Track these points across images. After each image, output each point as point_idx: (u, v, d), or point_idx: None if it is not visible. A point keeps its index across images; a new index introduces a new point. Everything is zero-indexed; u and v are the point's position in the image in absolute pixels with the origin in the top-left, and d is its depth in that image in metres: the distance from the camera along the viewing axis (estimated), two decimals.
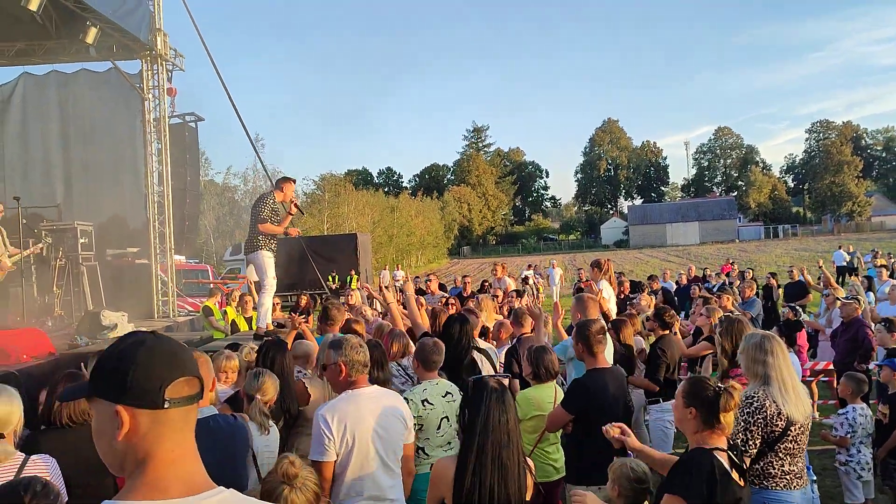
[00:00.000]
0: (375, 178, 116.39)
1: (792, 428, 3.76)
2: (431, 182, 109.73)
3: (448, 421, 4.50)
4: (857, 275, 24.54)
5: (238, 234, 44.67)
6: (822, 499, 6.73)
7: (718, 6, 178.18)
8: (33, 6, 9.10)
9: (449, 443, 4.55)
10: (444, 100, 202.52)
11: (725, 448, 3.10)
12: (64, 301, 11.09)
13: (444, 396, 4.54)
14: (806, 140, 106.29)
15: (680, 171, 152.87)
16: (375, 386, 3.80)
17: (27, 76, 13.11)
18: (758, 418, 3.74)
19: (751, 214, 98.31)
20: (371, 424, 3.48)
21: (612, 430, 3.54)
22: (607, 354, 5.49)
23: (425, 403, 4.44)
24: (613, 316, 7.32)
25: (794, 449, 3.80)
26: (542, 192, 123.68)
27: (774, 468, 3.79)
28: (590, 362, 4.48)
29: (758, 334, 4.01)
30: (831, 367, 8.77)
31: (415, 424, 4.35)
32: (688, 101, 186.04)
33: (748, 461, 3.74)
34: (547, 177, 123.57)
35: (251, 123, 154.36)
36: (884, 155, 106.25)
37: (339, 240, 33.77)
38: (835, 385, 8.78)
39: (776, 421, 3.74)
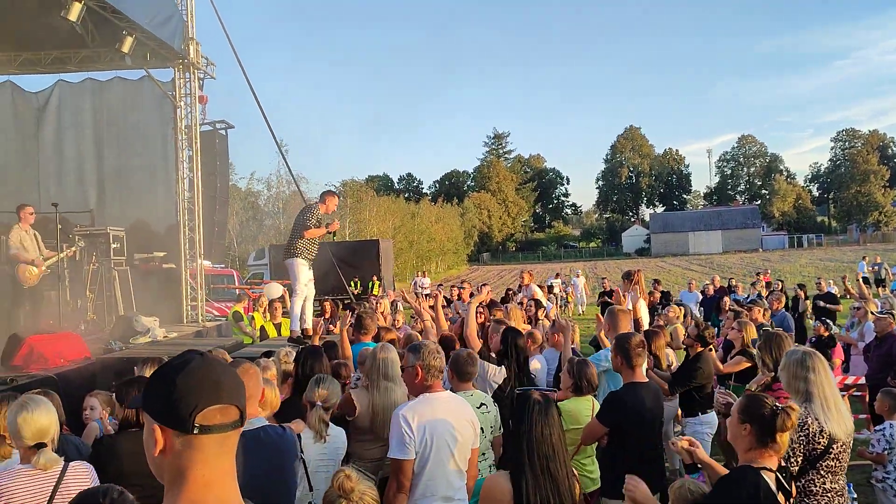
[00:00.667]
0: (396, 184, 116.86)
1: (834, 446, 3.72)
2: (451, 188, 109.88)
3: (483, 432, 4.53)
4: (884, 286, 24.26)
5: (261, 238, 45.03)
6: None
7: (742, 14, 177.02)
8: (73, 16, 9.29)
9: (483, 454, 4.58)
10: (465, 106, 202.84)
11: (774, 469, 3.09)
12: (96, 305, 11.27)
13: (478, 408, 4.57)
14: (831, 149, 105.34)
15: (702, 179, 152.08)
16: (448, 391, 3.95)
17: (62, 84, 13.35)
18: (800, 436, 3.72)
19: (774, 223, 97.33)
20: (447, 427, 3.62)
21: (681, 442, 3.52)
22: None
23: None
24: (645, 325, 7.32)
25: (835, 467, 3.77)
26: (563, 198, 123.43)
27: (816, 486, 3.77)
28: (627, 375, 4.49)
29: (799, 350, 4.00)
30: (862, 381, 8.68)
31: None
32: (711, 108, 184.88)
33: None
34: (568, 184, 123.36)
35: (275, 129, 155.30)
36: None
37: (362, 246, 33.87)
38: (867, 400, 8.69)
39: (818, 438, 3.71)
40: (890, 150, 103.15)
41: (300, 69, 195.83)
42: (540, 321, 8.98)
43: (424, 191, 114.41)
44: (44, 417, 3.09)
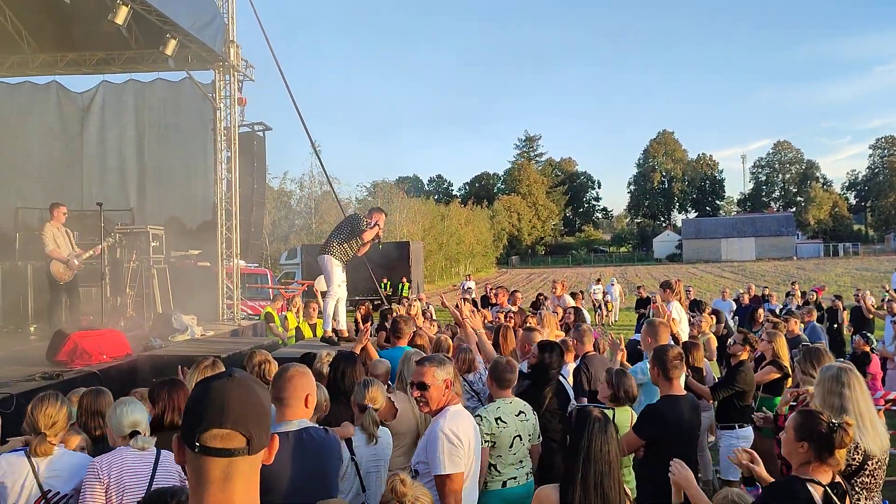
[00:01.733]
0: (426, 186, 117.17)
1: (869, 462, 3.70)
2: (481, 190, 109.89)
3: (521, 440, 4.56)
4: None
5: (293, 238, 45.50)
6: None
7: (781, 19, 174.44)
8: (119, 20, 9.52)
9: (521, 461, 4.60)
10: (496, 108, 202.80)
11: (825, 483, 3.09)
12: (136, 302, 11.51)
13: (517, 415, 4.60)
14: (869, 156, 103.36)
15: (736, 185, 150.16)
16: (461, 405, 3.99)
17: (106, 84, 13.67)
18: None
19: (810, 231, 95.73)
20: (478, 441, 3.74)
21: (741, 454, 3.52)
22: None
23: (499, 421, 4.50)
24: (684, 338, 7.28)
25: (871, 483, 3.74)
26: (594, 202, 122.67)
27: (850, 503, 3.75)
28: (665, 388, 4.49)
29: (834, 366, 3.98)
30: None
31: (487, 441, 4.44)
32: (745, 113, 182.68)
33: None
34: (599, 188, 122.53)
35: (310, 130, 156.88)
36: None
37: (393, 247, 34.05)
38: None
39: (853, 454, 3.67)
40: None
41: (333, 69, 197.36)
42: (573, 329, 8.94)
43: (454, 192, 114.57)
44: (137, 412, 3.61)
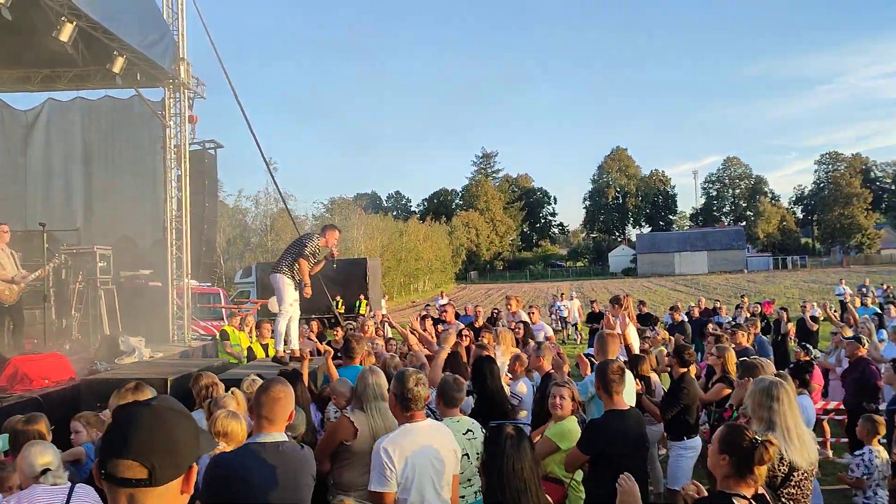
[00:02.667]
0: (384, 202, 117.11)
1: (795, 474, 3.80)
2: (440, 206, 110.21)
3: (468, 458, 4.57)
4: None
5: (248, 256, 44.93)
6: None
7: (730, 38, 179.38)
8: (64, 37, 9.33)
9: (469, 480, 4.61)
10: (454, 125, 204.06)
11: (748, 497, 3.16)
12: (82, 325, 11.22)
13: (465, 434, 4.61)
14: (815, 171, 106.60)
15: (688, 200, 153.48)
16: (430, 419, 3.99)
17: (52, 102, 13.38)
18: None
19: (759, 245, 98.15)
20: (430, 458, 3.66)
21: (689, 487, 3.58)
22: (630, 390, 5.56)
23: None
24: (636, 349, 7.40)
25: (797, 494, 3.85)
26: (550, 218, 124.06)
27: None
28: (608, 403, 4.55)
29: (766, 379, 4.09)
30: (842, 406, 8.80)
31: None
32: (697, 130, 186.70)
33: None
34: (555, 203, 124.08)
35: (263, 147, 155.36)
36: (893, 188, 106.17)
37: (349, 264, 33.81)
38: (845, 424, 8.79)
39: (778, 466, 3.78)
40: (872, 174, 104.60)
41: (289, 88, 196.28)
42: (529, 344, 9.01)
43: (413, 209, 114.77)
44: (48, 454, 3.64)
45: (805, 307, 15.44)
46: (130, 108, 12.98)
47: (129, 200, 12.70)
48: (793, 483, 3.83)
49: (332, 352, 6.52)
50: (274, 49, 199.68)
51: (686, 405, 6.26)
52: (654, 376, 7.42)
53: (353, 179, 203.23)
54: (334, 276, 29.43)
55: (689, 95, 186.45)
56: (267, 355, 10.00)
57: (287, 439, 3.37)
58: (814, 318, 15.09)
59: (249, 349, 10.39)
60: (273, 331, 8.91)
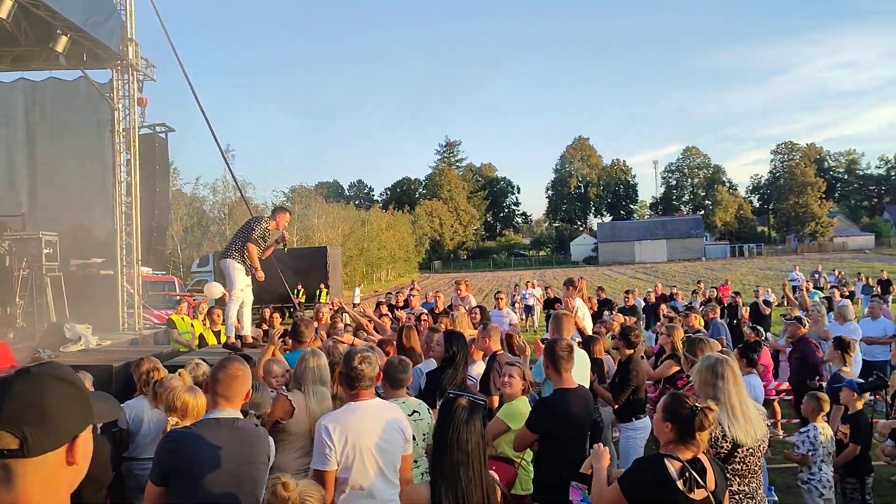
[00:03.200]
0: (346, 191, 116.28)
1: (739, 450, 3.84)
2: (403, 196, 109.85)
3: (414, 440, 4.51)
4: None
5: (206, 245, 44.21)
6: None
7: (686, 28, 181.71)
8: (3, 13, 8.98)
9: (415, 461, 4.56)
10: (417, 114, 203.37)
11: (683, 460, 3.18)
12: (27, 312, 10.90)
13: (410, 415, 4.54)
14: (771, 161, 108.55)
15: (649, 189, 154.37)
16: (378, 399, 3.91)
17: None
18: None
19: (717, 233, 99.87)
20: (373, 437, 3.58)
21: (585, 466, 3.65)
22: (583, 370, 5.55)
23: None
24: (589, 331, 7.42)
25: (742, 470, 3.89)
26: (514, 207, 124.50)
27: (726, 488, 3.86)
28: (556, 381, 4.52)
29: (712, 357, 4.10)
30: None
31: None
32: (657, 120, 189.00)
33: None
34: (518, 193, 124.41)
35: (221, 134, 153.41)
36: (846, 177, 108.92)
37: (309, 253, 33.57)
38: (794, 406, 8.96)
39: (721, 443, 3.82)
40: (826, 163, 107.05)
41: (248, 73, 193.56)
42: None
43: (375, 198, 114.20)
44: None
45: (758, 291, 15.72)
46: (76, 90, 12.56)
47: (76, 186, 12.32)
48: (737, 459, 3.86)
49: (281, 331, 6.38)
50: (229, 32, 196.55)
51: (636, 387, 6.28)
52: (607, 358, 7.44)
53: (314, 168, 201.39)
54: (295, 265, 29.34)
55: (650, 85, 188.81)
56: (219, 342, 9.84)
57: (241, 416, 3.32)
58: (766, 303, 15.38)
59: (201, 336, 10.19)
60: (224, 317, 8.74)
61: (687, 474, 3.15)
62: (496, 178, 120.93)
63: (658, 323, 10.31)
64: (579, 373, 5.42)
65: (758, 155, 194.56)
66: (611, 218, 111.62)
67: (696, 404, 3.27)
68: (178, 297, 13.22)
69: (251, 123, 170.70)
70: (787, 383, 8.90)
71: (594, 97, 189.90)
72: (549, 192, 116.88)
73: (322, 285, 30.91)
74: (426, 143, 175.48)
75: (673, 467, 3.15)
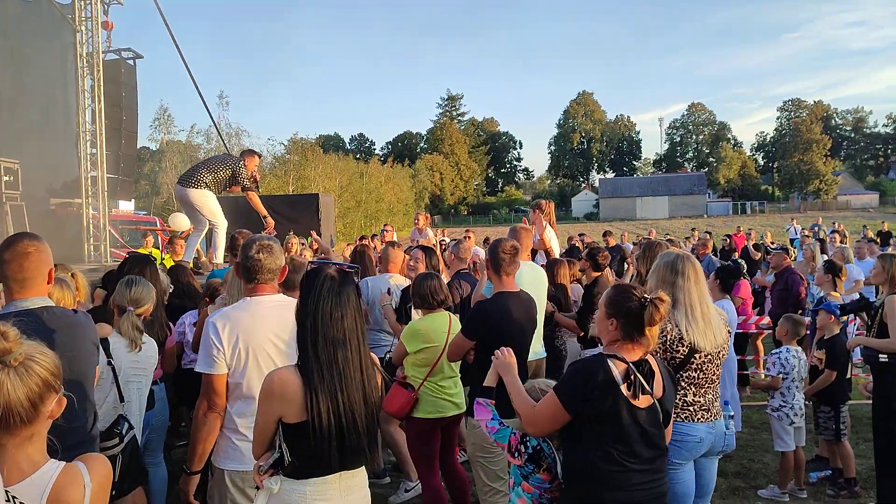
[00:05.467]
0: (347, 144, 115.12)
1: (696, 356, 3.45)
2: (404, 150, 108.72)
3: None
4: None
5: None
6: (756, 451, 6.54)
7: None
8: None
9: None
10: (420, 66, 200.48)
11: (629, 361, 2.77)
12: None
13: None
14: (777, 118, 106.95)
15: (653, 147, 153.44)
16: (280, 295, 3.36)
17: None
18: (657, 342, 3.42)
19: (720, 191, 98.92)
20: (269, 335, 3.11)
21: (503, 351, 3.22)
22: (537, 290, 5.16)
23: None
24: (556, 254, 7.01)
25: (699, 378, 3.50)
26: (516, 163, 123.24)
27: (675, 398, 3.47)
28: (497, 284, 4.12)
29: (672, 253, 3.68)
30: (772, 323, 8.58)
31: None
32: (663, 77, 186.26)
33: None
34: (520, 148, 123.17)
35: (224, 83, 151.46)
36: (853, 135, 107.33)
37: (300, 199, 32.91)
38: (774, 339, 8.60)
39: (677, 347, 3.43)
40: (833, 121, 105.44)
41: (260, 19, 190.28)
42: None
43: (377, 152, 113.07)
44: None
45: (750, 235, 15.25)
46: (37, 11, 11.93)
47: (37, 112, 11.76)
48: (694, 365, 3.45)
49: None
50: None
51: None
52: (575, 287, 7.04)
53: (314, 120, 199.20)
54: (285, 212, 28.85)
55: (656, 42, 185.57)
56: None
57: (50, 304, 2.75)
58: (756, 247, 14.93)
59: (163, 265, 9.83)
60: (213, 244, 8.57)
61: (632, 377, 2.74)
62: (498, 132, 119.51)
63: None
64: (533, 292, 5.03)
65: (765, 114, 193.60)
66: (613, 175, 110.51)
67: (645, 295, 2.85)
68: (143, 231, 12.78)
69: (248, 71, 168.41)
70: (769, 317, 8.49)
71: (600, 53, 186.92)
72: (552, 148, 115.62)
73: (313, 232, 30.45)
74: (428, 97, 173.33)
75: (617, 369, 2.74)
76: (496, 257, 4.08)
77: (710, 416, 3.52)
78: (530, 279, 5.14)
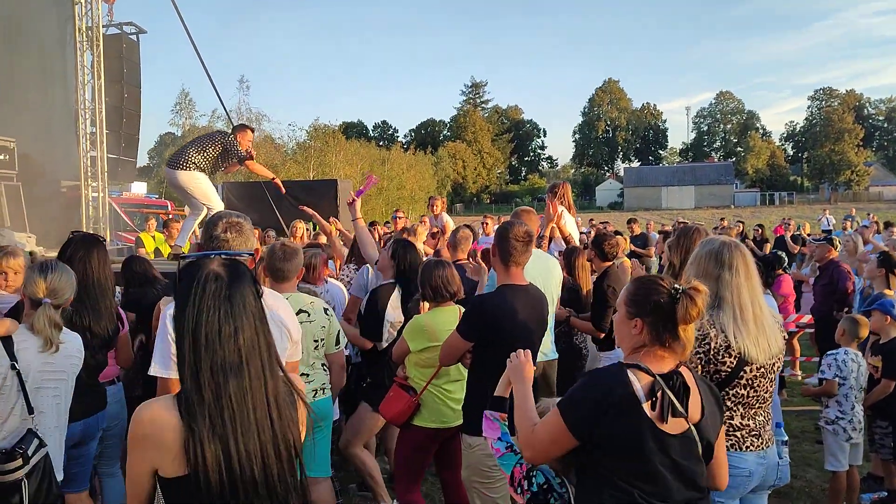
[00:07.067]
0: (371, 132, 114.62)
1: (746, 369, 2.74)
2: (427, 137, 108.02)
3: (301, 345, 3.53)
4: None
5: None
6: (797, 466, 5.80)
7: None
8: None
9: (306, 374, 3.60)
10: (443, 54, 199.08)
11: (655, 373, 2.10)
12: None
13: (297, 314, 3.54)
14: (808, 107, 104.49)
15: (679, 137, 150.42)
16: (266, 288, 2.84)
17: None
18: (697, 351, 2.73)
19: (748, 181, 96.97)
20: None
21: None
22: (548, 283, 4.51)
23: None
24: (575, 241, 6.33)
25: (749, 397, 2.79)
26: (539, 151, 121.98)
27: (720, 423, 2.80)
28: (502, 276, 3.45)
29: (716, 240, 2.97)
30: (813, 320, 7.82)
31: None
32: (690, 66, 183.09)
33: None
34: (544, 136, 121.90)
35: (247, 69, 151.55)
36: (885, 125, 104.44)
37: (319, 185, 32.50)
38: (815, 339, 7.88)
39: (722, 357, 2.73)
40: (866, 111, 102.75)
41: (279, 10, 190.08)
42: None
43: (400, 139, 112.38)
44: None
45: (789, 225, 14.33)
46: None
47: (36, 89, 11.23)
48: (743, 381, 2.74)
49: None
50: None
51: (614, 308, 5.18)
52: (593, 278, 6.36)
53: (338, 108, 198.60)
54: (304, 198, 28.42)
55: (684, 30, 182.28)
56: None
57: None
58: (794, 239, 14.04)
59: (157, 251, 9.35)
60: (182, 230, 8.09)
61: (659, 393, 2.08)
62: (522, 120, 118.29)
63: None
64: (542, 285, 4.36)
65: (795, 103, 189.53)
66: (638, 164, 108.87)
67: (676, 285, 2.19)
68: (146, 215, 12.29)
69: (270, 55, 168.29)
70: (810, 315, 7.71)
71: (627, 40, 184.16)
72: (576, 136, 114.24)
73: (332, 218, 30.02)
74: (451, 84, 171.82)
75: (639, 382, 2.08)
76: (506, 244, 3.39)
77: (762, 443, 2.84)
78: (539, 270, 4.48)
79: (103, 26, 11.22)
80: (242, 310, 1.73)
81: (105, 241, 3.64)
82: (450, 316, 3.76)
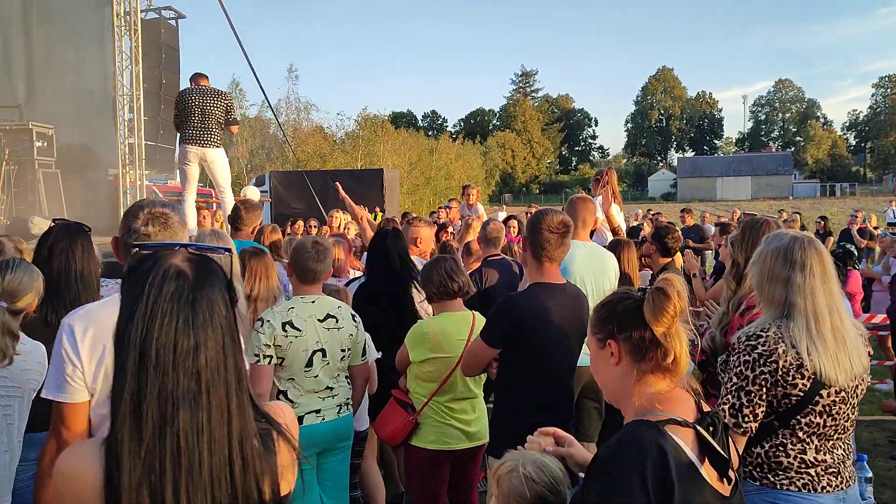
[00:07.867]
0: (420, 122, 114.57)
1: (823, 392, 2.24)
2: (476, 127, 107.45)
3: (324, 356, 3.11)
4: None
5: (268, 167, 43.87)
6: (875, 490, 5.22)
7: None
8: None
9: (329, 388, 3.18)
10: (493, 43, 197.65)
11: (682, 420, 1.54)
12: (16, 208, 10.05)
13: (322, 321, 3.14)
14: (872, 96, 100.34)
15: (735, 126, 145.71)
16: None
17: None
18: (762, 371, 2.24)
19: (807, 171, 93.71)
20: None
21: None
22: (599, 279, 4.03)
23: (287, 328, 3.04)
24: (623, 233, 5.84)
25: (825, 427, 2.29)
26: (591, 141, 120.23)
27: (788, 454, 2.29)
28: (534, 273, 2.99)
29: (785, 235, 2.43)
30: (887, 321, 7.13)
31: (268, 357, 3.01)
32: (746, 53, 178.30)
33: (742, 441, 2.26)
34: (596, 125, 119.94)
35: (295, 58, 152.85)
36: None
37: (364, 175, 32.43)
38: (889, 343, 7.22)
39: (793, 378, 2.23)
40: None
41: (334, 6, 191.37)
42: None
43: (449, 129, 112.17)
44: None
45: (856, 216, 13.38)
46: None
47: (71, 74, 11.14)
48: (819, 407, 2.24)
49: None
50: None
51: None
52: (644, 275, 5.85)
53: (387, 97, 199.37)
54: (350, 187, 28.29)
55: (741, 17, 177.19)
56: None
57: None
58: (861, 233, 13.07)
59: None
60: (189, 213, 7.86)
61: (705, 446, 1.53)
62: (573, 109, 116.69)
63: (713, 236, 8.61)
64: (592, 282, 3.90)
65: (857, 92, 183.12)
66: (693, 154, 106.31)
67: (643, 286, 1.73)
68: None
69: (325, 46, 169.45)
70: (886, 314, 7.03)
71: (681, 27, 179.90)
72: (629, 125, 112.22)
73: (378, 208, 29.85)
74: (501, 73, 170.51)
75: (683, 441, 1.53)
76: (538, 236, 2.93)
77: (841, 481, 2.33)
78: (586, 264, 4.02)
79: (142, 11, 11.07)
80: (208, 320, 1.28)
81: (90, 230, 3.28)
82: (459, 323, 3.33)
